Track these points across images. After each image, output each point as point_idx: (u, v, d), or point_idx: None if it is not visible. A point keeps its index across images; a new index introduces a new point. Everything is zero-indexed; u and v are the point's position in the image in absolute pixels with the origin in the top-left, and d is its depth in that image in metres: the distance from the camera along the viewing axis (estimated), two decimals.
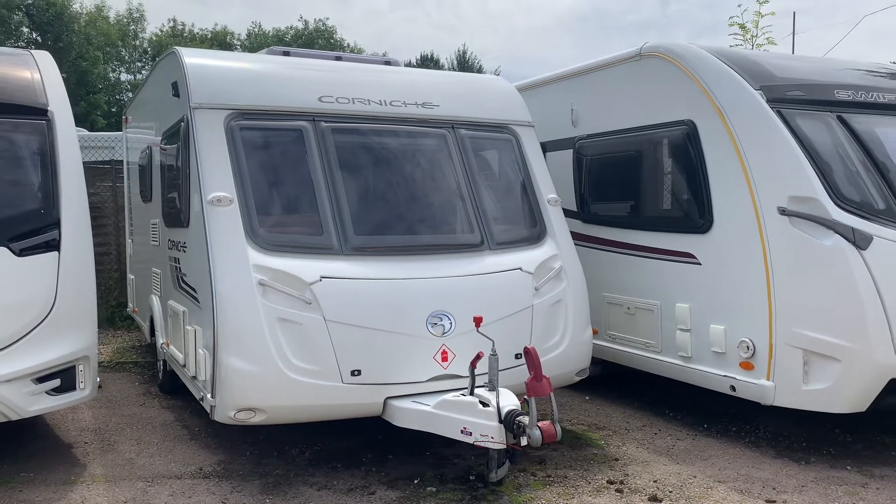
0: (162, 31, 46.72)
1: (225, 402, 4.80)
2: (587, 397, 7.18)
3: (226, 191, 5.10)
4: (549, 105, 7.59)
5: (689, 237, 6.05)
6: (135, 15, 45.32)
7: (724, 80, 5.77)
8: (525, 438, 4.44)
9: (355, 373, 4.93)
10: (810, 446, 5.72)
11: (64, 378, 5.28)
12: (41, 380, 5.15)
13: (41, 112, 5.62)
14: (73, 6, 41.15)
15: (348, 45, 48.14)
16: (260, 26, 49.01)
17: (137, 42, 45.52)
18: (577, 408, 6.86)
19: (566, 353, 5.71)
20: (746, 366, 5.59)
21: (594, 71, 7.04)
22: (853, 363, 5.11)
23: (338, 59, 6.72)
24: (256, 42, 46.00)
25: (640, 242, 6.52)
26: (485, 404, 4.63)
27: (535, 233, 6.00)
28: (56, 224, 5.31)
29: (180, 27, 47.38)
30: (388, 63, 6.91)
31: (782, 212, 5.32)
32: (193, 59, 5.65)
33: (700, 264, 5.96)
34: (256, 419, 4.83)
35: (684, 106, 6.04)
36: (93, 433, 6.10)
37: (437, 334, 5.14)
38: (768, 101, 5.60)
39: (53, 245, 5.26)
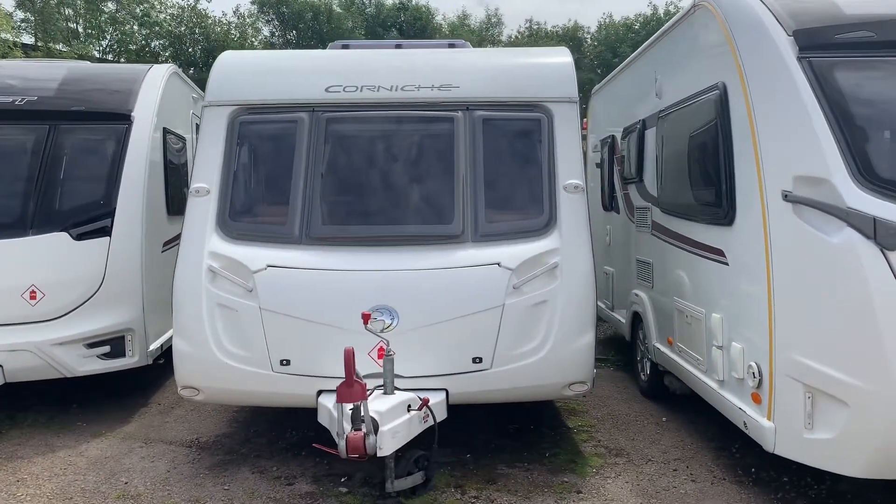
0: (520, 32, 49.19)
1: (176, 380, 5.16)
2: (664, 418, 6.06)
3: (207, 182, 5.41)
4: (645, 78, 6.55)
5: (717, 230, 4.81)
6: (493, 20, 48.45)
7: (747, 25, 4.46)
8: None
9: (284, 362, 4.91)
10: None
11: (114, 346, 6.21)
12: (92, 346, 6.10)
13: (125, 118, 6.58)
14: (436, 18, 45.60)
15: None
16: (610, 17, 48.79)
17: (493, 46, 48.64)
18: (632, 428, 5.84)
19: (547, 362, 4.94)
20: (756, 398, 4.29)
21: (668, 32, 5.89)
22: (865, 410, 3.64)
23: (398, 47, 6.62)
24: (606, 34, 45.90)
25: (688, 234, 5.33)
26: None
27: (537, 224, 5.26)
28: (111, 213, 6.19)
29: (535, 27, 49.39)
30: (451, 46, 6.60)
31: (785, 197, 3.96)
32: (223, 59, 6.05)
33: (728, 264, 4.70)
34: (199, 397, 5.12)
35: (717, 65, 4.80)
36: (176, 397, 6.92)
37: (375, 330, 4.87)
38: (802, 48, 4.17)
39: (106, 231, 6.15)
